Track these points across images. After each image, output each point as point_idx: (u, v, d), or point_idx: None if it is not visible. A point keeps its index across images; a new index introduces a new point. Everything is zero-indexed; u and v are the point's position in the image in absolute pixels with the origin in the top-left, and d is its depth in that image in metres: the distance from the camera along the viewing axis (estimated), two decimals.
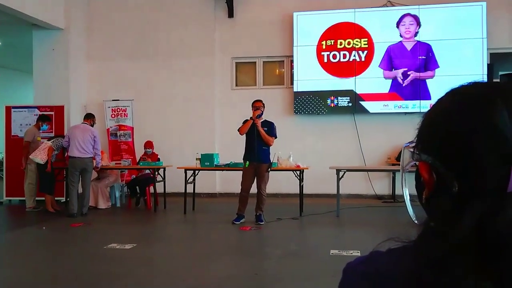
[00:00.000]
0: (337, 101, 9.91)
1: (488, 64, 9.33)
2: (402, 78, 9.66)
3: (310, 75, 10.00)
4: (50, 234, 6.89)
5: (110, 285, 4.40)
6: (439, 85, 9.34)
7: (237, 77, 10.78)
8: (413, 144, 0.74)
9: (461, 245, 0.60)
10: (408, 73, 9.64)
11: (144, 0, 10.74)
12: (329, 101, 9.94)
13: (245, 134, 7.16)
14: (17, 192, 9.38)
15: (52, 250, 5.90)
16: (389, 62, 9.76)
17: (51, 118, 9.59)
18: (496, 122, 0.63)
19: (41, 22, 9.79)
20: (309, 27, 10.04)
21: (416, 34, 9.68)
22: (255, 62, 10.64)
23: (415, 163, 0.74)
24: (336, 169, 7.84)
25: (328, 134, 10.09)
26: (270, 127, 7.19)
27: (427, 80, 9.58)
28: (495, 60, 9.63)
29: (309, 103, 10.02)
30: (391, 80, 9.74)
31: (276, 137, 7.22)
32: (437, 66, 9.56)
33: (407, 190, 0.79)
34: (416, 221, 0.74)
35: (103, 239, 6.22)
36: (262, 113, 7.19)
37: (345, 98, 9.88)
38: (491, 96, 0.66)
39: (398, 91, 9.71)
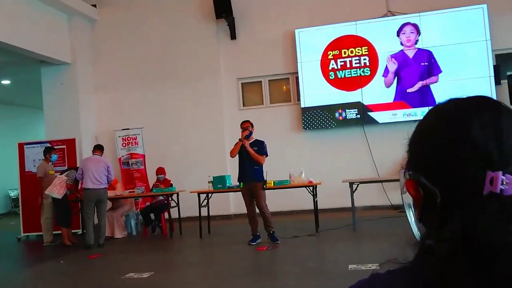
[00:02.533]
0: (345, 113, 9.91)
1: (494, 66, 9.30)
2: (408, 86, 9.65)
3: (316, 90, 10.02)
4: (68, 267, 6.90)
5: None
6: (444, 90, 9.30)
7: (244, 97, 10.84)
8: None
9: (451, 257, 0.60)
10: (417, 82, 9.62)
11: (147, 29, 10.92)
12: (337, 114, 9.94)
13: (237, 156, 7.18)
14: (34, 227, 9.44)
15: (71, 283, 5.90)
16: (392, 71, 9.77)
17: (63, 151, 9.69)
18: (471, 133, 0.66)
19: (49, 58, 10.00)
20: (312, 42, 10.10)
21: (416, 42, 9.69)
22: (260, 81, 10.71)
23: None
24: (349, 182, 7.79)
25: (339, 147, 10.05)
26: (260, 146, 7.17)
27: (431, 86, 9.55)
28: (502, 61, 9.59)
29: (318, 118, 10.02)
30: (395, 89, 9.73)
31: (267, 155, 7.19)
32: (440, 71, 9.53)
33: (410, 211, 0.79)
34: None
35: (120, 269, 6.22)
36: (251, 133, 7.20)
37: (353, 110, 9.87)
38: (465, 110, 0.70)
39: (405, 99, 9.68)
